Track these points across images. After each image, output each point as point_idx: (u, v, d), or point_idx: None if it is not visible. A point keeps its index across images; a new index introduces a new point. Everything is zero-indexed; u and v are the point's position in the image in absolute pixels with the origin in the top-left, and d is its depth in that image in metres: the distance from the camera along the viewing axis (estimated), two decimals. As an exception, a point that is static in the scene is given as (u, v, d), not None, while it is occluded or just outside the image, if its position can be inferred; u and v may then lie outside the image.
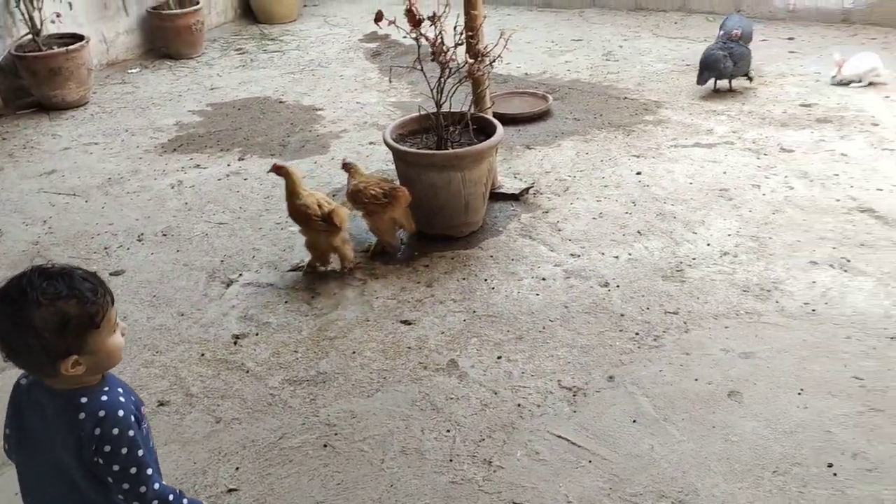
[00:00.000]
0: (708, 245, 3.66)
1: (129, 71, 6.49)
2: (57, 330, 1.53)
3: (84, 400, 1.60)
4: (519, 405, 2.79)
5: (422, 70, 3.59)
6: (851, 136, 4.67)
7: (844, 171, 4.27)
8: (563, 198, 4.15)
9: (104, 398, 1.62)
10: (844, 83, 5.39)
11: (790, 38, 6.50)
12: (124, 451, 1.59)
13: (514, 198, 4.13)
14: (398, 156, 3.75)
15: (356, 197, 3.62)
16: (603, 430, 2.66)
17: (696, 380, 2.86)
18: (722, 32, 5.52)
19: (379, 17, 3.50)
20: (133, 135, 5.28)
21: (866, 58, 5.37)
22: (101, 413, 1.59)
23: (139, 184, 4.59)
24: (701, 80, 5.25)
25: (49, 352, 1.54)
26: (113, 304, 1.64)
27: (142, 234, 4.05)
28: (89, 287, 1.58)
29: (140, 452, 1.62)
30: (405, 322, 3.27)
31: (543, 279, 3.49)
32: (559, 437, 2.64)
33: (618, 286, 3.41)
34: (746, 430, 2.62)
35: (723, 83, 5.39)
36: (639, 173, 4.36)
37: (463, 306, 3.34)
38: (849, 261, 3.48)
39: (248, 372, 3.03)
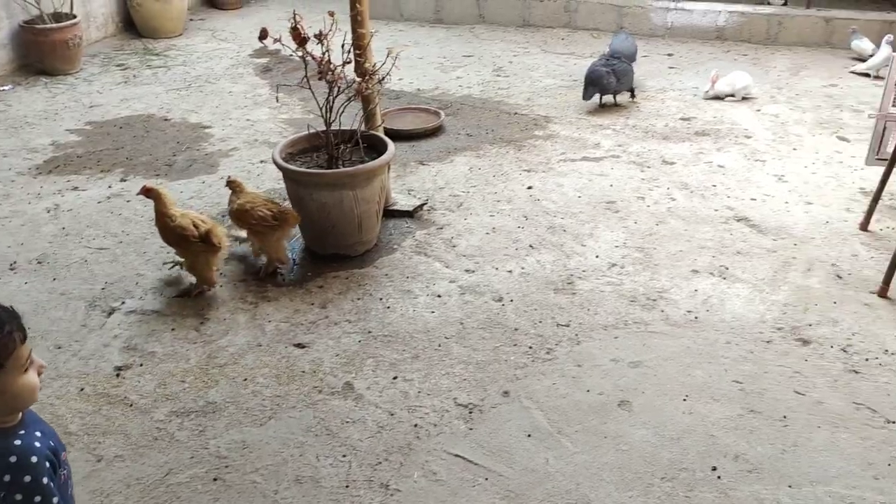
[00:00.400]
0: (597, 257, 3.76)
1: (1, 88, 6.12)
2: None
3: None
4: (415, 426, 2.77)
5: (310, 88, 3.54)
6: (727, 149, 4.92)
7: (721, 182, 4.49)
8: (457, 213, 4.17)
9: (17, 442, 1.53)
10: (718, 98, 5.68)
11: (669, 55, 6.79)
12: (37, 499, 1.51)
13: (409, 214, 4.13)
14: (288, 176, 3.68)
15: (242, 217, 3.54)
16: (499, 446, 2.68)
17: (588, 391, 2.92)
18: (608, 50, 5.72)
19: (263, 35, 3.43)
20: (5, 156, 4.97)
21: (740, 76, 5.68)
22: (13, 459, 1.51)
23: (11, 208, 4.33)
24: (586, 95, 5.42)
25: None
26: (24, 341, 1.54)
27: (14, 262, 3.81)
28: None
29: (55, 500, 1.53)
30: (299, 345, 3.20)
31: (439, 296, 3.49)
32: (456, 455, 2.64)
33: (512, 300, 3.45)
34: (636, 438, 2.70)
35: (608, 98, 5.58)
36: (530, 188, 4.45)
37: (358, 327, 3.30)
38: (727, 268, 3.65)
39: (131, 405, 2.89)
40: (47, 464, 1.54)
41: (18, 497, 1.50)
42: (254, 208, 3.49)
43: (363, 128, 3.82)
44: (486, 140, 5.11)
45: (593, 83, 5.35)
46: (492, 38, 7.31)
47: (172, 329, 3.31)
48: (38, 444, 1.55)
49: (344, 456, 2.65)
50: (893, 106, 4.03)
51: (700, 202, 4.26)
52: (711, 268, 3.66)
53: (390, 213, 4.09)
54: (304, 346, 3.19)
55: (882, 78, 6.04)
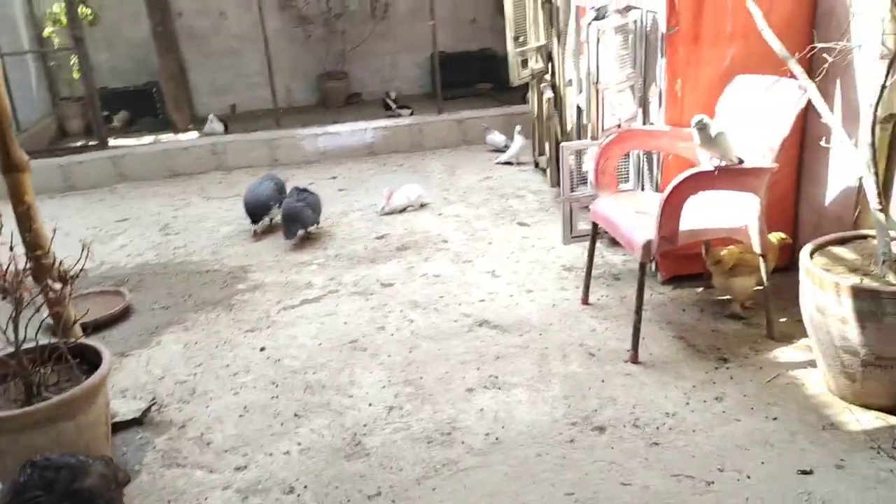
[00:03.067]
0: (370, 405, 3.47)
1: None
2: None
3: None
4: None
5: (-18, 309, 2.77)
6: (433, 258, 5.00)
7: (445, 291, 4.52)
8: (194, 403, 3.57)
9: None
10: (395, 212, 5.80)
11: (334, 177, 6.86)
12: None
13: (138, 422, 3.43)
14: (-26, 426, 2.80)
15: None
16: None
17: (438, 563, 2.60)
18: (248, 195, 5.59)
19: None
20: None
21: (411, 188, 5.90)
22: None
23: None
24: (290, 234, 5.20)
25: None
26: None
27: None
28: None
29: None
30: None
31: (218, 512, 2.90)
32: None
33: (305, 487, 2.99)
34: None
35: (301, 232, 5.38)
36: (263, 349, 4.01)
37: (133, 590, 2.58)
38: (497, 377, 3.61)
39: None
40: None
41: None
42: None
43: (60, 338, 3.09)
44: (187, 308, 4.55)
45: (295, 220, 5.16)
46: (142, 196, 6.71)
47: None
48: None
49: None
50: (572, 190, 4.46)
51: (437, 317, 4.22)
52: (482, 381, 3.59)
53: (115, 427, 3.35)
54: None
55: (523, 163, 6.78)
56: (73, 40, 6.92)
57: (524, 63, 5.64)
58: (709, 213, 3.69)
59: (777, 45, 3.41)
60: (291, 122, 8.54)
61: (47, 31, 8.26)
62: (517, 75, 5.59)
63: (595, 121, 4.05)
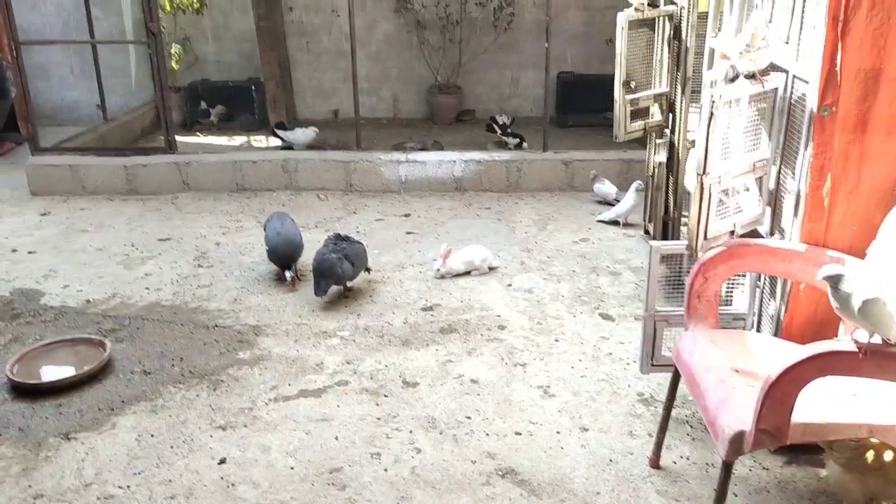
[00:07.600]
0: (312, 592, 2.53)
1: None
2: None
3: None
4: None
5: None
6: (480, 350, 3.98)
7: (477, 408, 3.49)
8: (102, 539, 2.77)
9: None
10: (452, 275, 4.78)
11: (407, 215, 5.95)
12: None
13: (19, 560, 2.66)
14: None
15: None
16: None
17: None
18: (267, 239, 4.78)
19: None
20: None
21: (476, 250, 4.86)
22: None
23: None
24: (319, 291, 4.34)
25: None
26: None
27: None
28: None
29: None
30: None
31: None
32: None
33: None
34: None
35: (338, 288, 4.52)
36: (223, 462, 3.15)
37: None
38: (497, 578, 2.57)
39: None
40: None
41: None
42: None
43: None
44: (169, 378, 3.78)
45: (325, 275, 4.30)
46: (198, 211, 6.07)
47: None
48: None
49: None
50: (664, 304, 3.30)
51: (453, 451, 3.21)
52: (475, 581, 2.56)
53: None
54: None
55: (631, 226, 5.59)
56: (147, 34, 6.34)
57: (635, 114, 4.46)
58: (839, 397, 2.45)
59: None
60: (391, 136, 7.75)
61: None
62: (623, 129, 4.42)
63: (696, 224, 2.87)
